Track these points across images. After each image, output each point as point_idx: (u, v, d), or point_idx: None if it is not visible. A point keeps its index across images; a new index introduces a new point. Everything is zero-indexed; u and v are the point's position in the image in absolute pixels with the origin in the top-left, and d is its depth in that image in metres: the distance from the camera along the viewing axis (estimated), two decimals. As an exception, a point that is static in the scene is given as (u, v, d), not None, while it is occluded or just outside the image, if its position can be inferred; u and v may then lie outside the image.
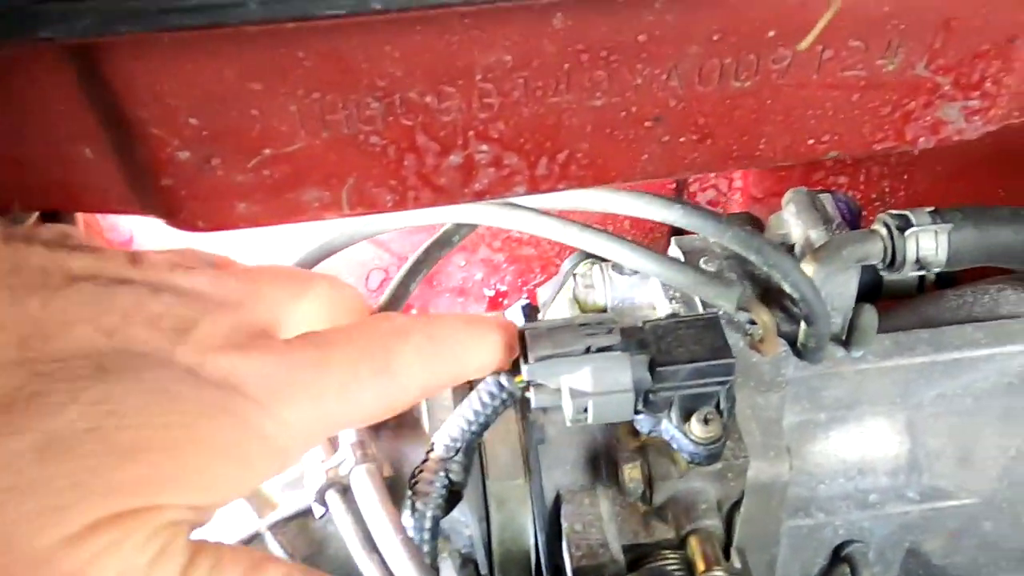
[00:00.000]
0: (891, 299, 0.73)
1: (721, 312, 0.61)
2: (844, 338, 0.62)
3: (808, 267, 0.63)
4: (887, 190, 0.92)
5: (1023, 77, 0.50)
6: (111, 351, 0.35)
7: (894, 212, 0.63)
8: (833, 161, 0.90)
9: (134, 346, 0.35)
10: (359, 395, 0.39)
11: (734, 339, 0.61)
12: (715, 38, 0.44)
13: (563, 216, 0.63)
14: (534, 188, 0.50)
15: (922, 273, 0.70)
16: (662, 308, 0.65)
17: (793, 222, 0.72)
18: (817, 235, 0.68)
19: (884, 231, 0.62)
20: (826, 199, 0.77)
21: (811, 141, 0.50)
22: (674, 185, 0.90)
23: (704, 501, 0.57)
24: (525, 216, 0.61)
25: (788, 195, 0.75)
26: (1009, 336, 0.62)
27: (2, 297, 0.34)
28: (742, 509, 0.58)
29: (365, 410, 0.40)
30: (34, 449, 0.31)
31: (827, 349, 0.61)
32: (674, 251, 0.68)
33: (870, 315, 0.61)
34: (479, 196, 0.50)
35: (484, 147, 0.47)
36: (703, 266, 0.65)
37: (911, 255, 0.61)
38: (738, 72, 0.46)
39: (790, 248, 0.71)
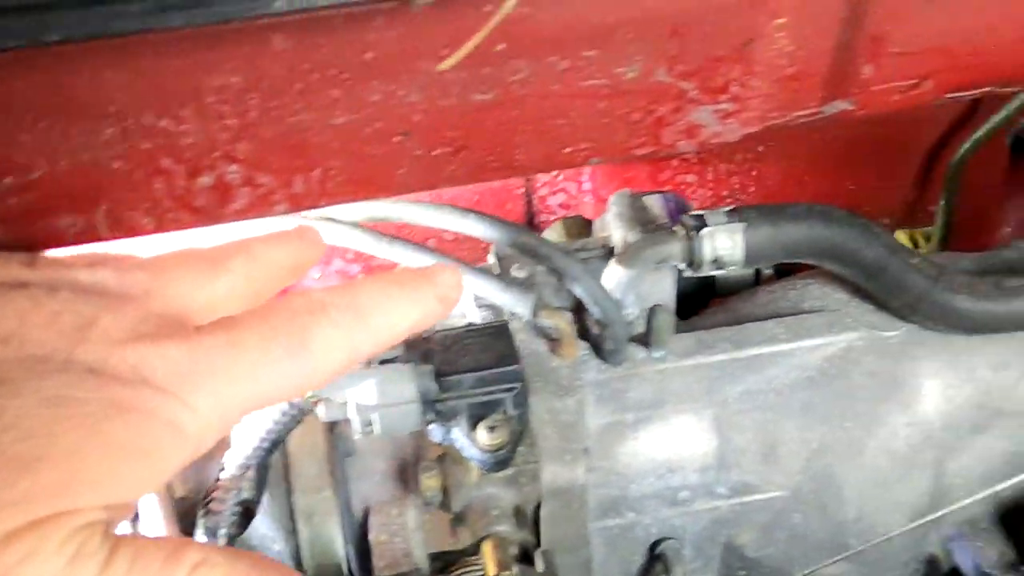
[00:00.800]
0: (728, 296, 0.75)
1: (526, 318, 0.61)
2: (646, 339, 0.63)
3: (614, 269, 0.64)
4: (737, 187, 0.93)
5: (769, 78, 0.51)
6: (7, 360, 0.34)
7: (693, 213, 0.64)
8: (679, 159, 0.91)
9: (32, 350, 0.35)
10: (274, 376, 0.38)
11: (535, 345, 0.62)
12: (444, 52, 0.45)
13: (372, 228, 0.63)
14: (296, 206, 0.50)
15: (741, 272, 0.72)
16: (472, 317, 0.66)
17: (614, 224, 0.73)
18: (633, 237, 0.68)
19: (683, 232, 0.63)
20: (654, 200, 0.78)
21: (568, 149, 0.51)
22: (523, 190, 0.91)
23: (496, 507, 0.58)
24: (336, 229, 0.62)
25: (612, 197, 0.75)
26: (808, 331, 0.64)
27: None
28: (543, 512, 0.59)
29: (283, 390, 0.39)
30: None
31: (627, 351, 0.62)
32: (491, 258, 0.69)
33: (664, 316, 0.62)
34: (241, 216, 0.50)
35: (233, 168, 0.47)
36: (514, 272, 0.66)
37: (708, 255, 0.62)
38: (477, 85, 0.47)
39: (610, 251, 0.71)
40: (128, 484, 0.35)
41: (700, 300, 0.76)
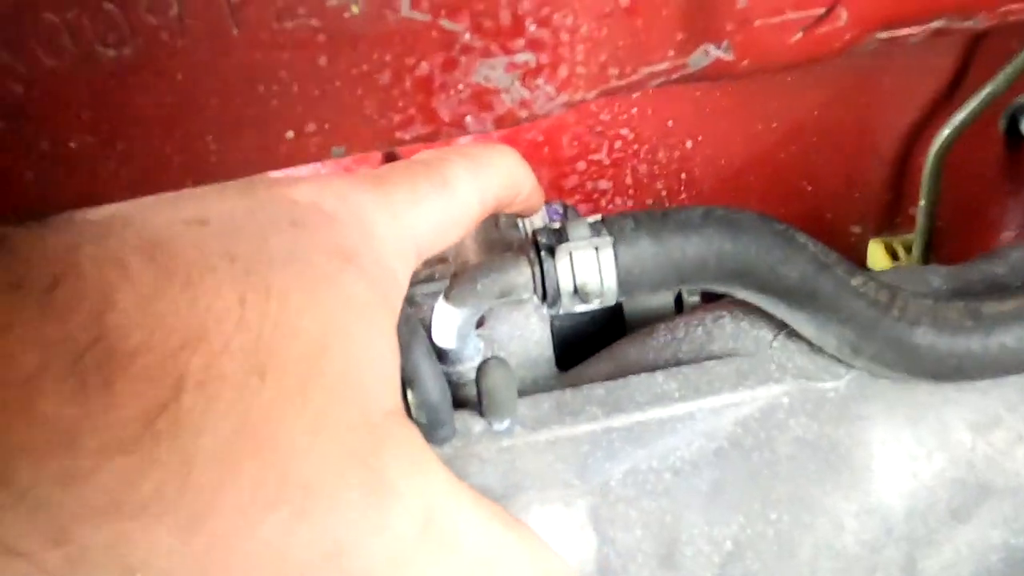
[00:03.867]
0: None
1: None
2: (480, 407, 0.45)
3: (442, 310, 0.46)
4: (664, 194, 0.75)
5: (594, 14, 0.33)
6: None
7: (548, 227, 0.46)
8: (587, 160, 0.73)
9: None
10: (427, 211, 0.42)
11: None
12: None
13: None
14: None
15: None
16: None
17: (471, 247, 0.56)
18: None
19: (532, 253, 0.45)
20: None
21: (290, 134, 0.33)
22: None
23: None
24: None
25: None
26: (712, 384, 0.45)
27: None
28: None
29: (438, 225, 0.43)
30: None
31: (450, 424, 0.44)
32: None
33: (499, 375, 0.44)
34: None
35: None
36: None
37: (566, 283, 0.44)
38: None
39: (466, 281, 0.54)
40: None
41: (617, 334, 0.58)
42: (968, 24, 0.37)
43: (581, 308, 0.46)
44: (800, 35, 0.35)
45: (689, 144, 0.73)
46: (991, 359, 0.42)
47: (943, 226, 0.81)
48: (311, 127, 0.33)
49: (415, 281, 0.54)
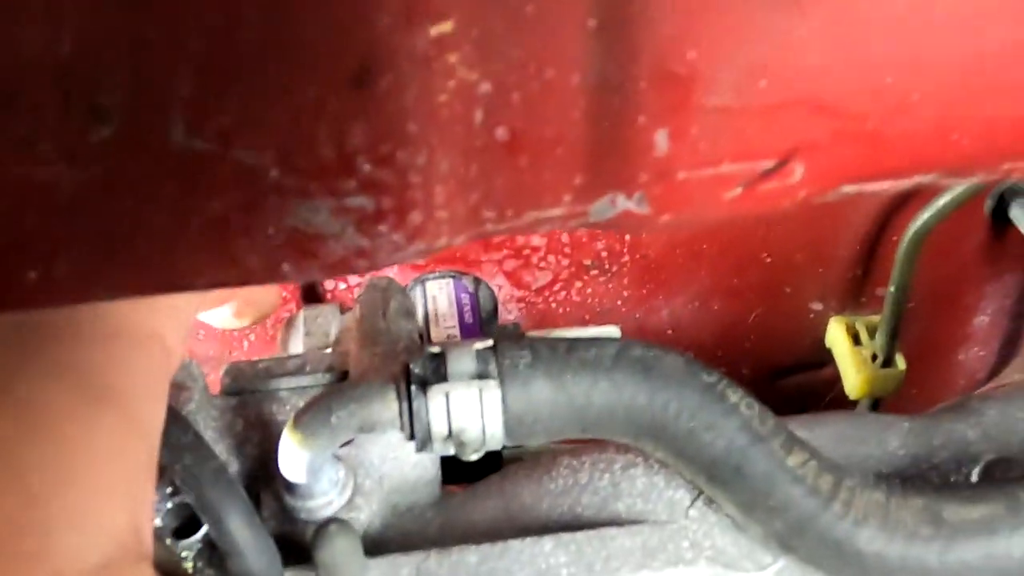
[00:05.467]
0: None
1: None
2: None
3: (286, 444, 0.37)
4: (606, 255, 0.67)
5: (468, 154, 0.24)
6: None
7: (427, 352, 0.37)
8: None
9: None
10: None
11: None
12: None
13: None
14: None
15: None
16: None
17: (350, 337, 0.47)
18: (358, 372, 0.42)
19: (403, 385, 0.37)
20: (438, 288, 0.51)
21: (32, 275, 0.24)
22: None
23: None
24: None
25: (364, 285, 0.49)
26: (608, 563, 0.37)
27: None
28: None
29: None
30: None
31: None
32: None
33: (341, 544, 0.35)
34: None
35: None
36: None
37: (439, 428, 0.36)
38: None
39: (344, 375, 0.45)
40: None
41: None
42: (949, 181, 0.29)
43: (455, 455, 0.37)
44: (739, 191, 0.26)
45: (636, 203, 0.64)
46: (950, 578, 0.34)
47: (913, 308, 0.73)
48: (61, 268, 0.24)
49: (280, 372, 0.45)
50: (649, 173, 0.25)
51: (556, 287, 0.67)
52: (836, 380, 0.75)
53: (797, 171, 0.26)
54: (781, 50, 0.23)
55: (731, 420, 0.35)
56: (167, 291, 0.26)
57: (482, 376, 0.36)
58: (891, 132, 0.25)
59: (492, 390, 0.36)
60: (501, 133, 0.24)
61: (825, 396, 0.78)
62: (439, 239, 0.26)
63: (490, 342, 0.37)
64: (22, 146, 0.22)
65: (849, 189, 0.28)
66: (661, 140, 0.24)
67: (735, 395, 0.36)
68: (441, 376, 0.36)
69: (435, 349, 0.37)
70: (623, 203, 0.26)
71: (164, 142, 0.22)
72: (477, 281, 0.52)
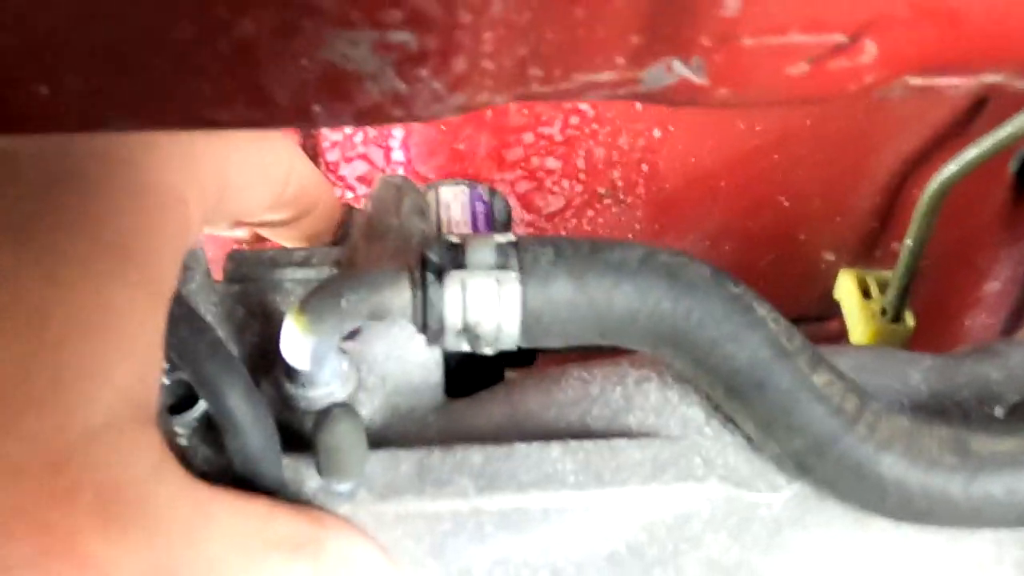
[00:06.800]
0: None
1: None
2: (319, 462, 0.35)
3: (288, 330, 0.36)
4: (621, 183, 0.65)
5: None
6: None
7: (444, 239, 0.36)
8: (536, 133, 0.62)
9: None
10: None
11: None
12: None
13: None
14: None
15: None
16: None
17: (357, 234, 0.45)
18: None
19: (418, 272, 0.35)
20: (453, 195, 0.50)
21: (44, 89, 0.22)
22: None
23: None
24: None
25: (375, 183, 0.47)
26: (617, 473, 0.36)
27: None
28: None
29: None
30: None
31: (276, 476, 0.34)
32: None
33: (344, 428, 0.34)
34: None
35: None
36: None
37: (453, 319, 0.34)
38: None
39: (349, 273, 0.44)
40: None
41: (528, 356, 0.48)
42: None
43: (468, 349, 0.36)
44: (805, 67, 0.24)
45: (657, 133, 0.63)
46: (971, 509, 0.33)
47: (924, 268, 0.71)
48: (72, 83, 0.23)
49: (286, 263, 0.44)
50: (712, 36, 0.23)
51: (568, 214, 0.66)
52: (841, 334, 0.73)
53: (869, 50, 0.24)
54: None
55: (756, 332, 0.34)
56: (189, 126, 0.24)
57: (502, 268, 0.34)
58: (972, 11, 0.24)
59: (511, 283, 0.34)
60: (557, -22, 0.23)
61: (828, 350, 0.77)
62: (481, 93, 0.25)
63: (512, 236, 0.36)
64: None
65: (916, 82, 0.26)
66: (731, 4, 0.23)
67: (762, 308, 0.35)
68: (459, 265, 0.35)
69: (454, 239, 0.36)
70: (680, 69, 0.24)
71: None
72: (492, 191, 0.50)
